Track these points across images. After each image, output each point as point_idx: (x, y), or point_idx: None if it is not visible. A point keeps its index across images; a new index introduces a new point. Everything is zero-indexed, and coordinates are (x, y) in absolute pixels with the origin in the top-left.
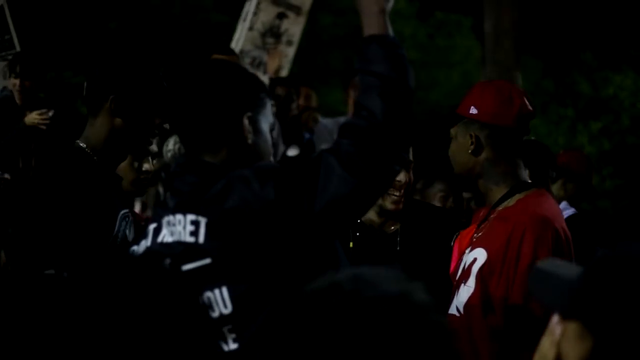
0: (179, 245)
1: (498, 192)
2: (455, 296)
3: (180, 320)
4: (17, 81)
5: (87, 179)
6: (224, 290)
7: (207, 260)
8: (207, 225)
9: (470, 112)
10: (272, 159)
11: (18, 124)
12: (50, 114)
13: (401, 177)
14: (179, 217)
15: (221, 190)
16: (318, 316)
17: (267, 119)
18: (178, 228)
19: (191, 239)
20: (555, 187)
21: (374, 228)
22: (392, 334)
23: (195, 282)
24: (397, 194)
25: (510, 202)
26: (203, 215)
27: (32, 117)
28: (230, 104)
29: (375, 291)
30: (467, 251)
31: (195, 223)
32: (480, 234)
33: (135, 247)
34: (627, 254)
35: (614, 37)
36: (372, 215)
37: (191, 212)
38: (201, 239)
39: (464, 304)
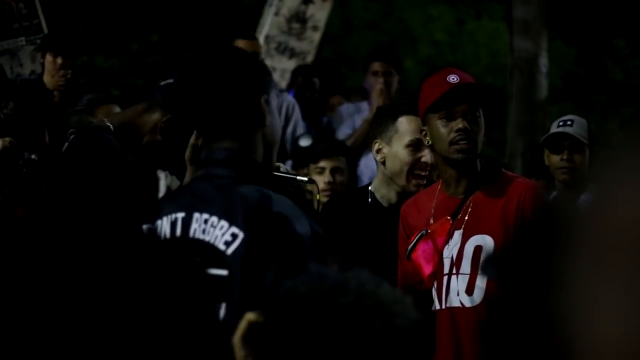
0: (210, 248)
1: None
2: (449, 289)
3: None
4: (58, 59)
5: (109, 159)
6: (222, 306)
7: (225, 272)
8: (242, 241)
9: None
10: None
11: (46, 108)
12: (69, 75)
13: (427, 157)
14: (223, 223)
15: (266, 217)
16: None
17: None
18: (216, 232)
19: (222, 247)
20: None
21: (391, 207)
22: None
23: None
24: (423, 173)
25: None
26: (245, 231)
27: (54, 80)
28: (249, 87)
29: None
30: (451, 244)
31: (234, 236)
32: (467, 220)
33: (150, 227)
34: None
35: None
36: (392, 194)
37: (236, 225)
38: (230, 250)
39: (471, 291)
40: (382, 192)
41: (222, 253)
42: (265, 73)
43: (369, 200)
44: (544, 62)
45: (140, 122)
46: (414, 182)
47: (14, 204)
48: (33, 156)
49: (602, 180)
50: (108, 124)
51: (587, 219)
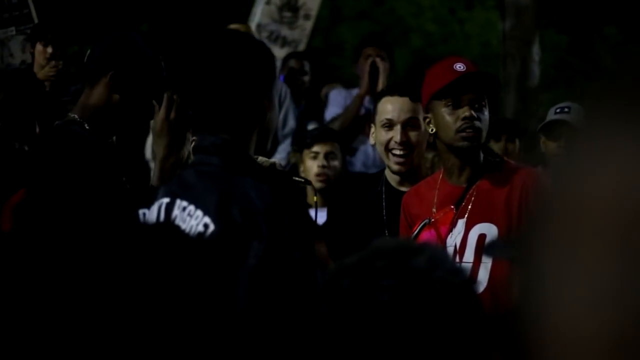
0: None
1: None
2: None
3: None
4: (48, 49)
5: (81, 152)
6: None
7: None
8: (212, 234)
9: None
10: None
11: (37, 98)
12: (59, 65)
13: (398, 136)
14: (199, 213)
15: (240, 211)
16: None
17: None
18: (192, 222)
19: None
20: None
21: (392, 187)
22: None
23: None
24: (398, 152)
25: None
26: (215, 224)
27: (45, 70)
28: (254, 90)
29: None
30: (454, 233)
31: (206, 226)
32: (470, 208)
33: (146, 211)
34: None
35: (638, 11)
36: (394, 175)
37: (209, 215)
38: None
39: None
40: (387, 173)
41: None
42: (271, 63)
43: (381, 182)
44: (536, 50)
45: (98, 97)
46: (393, 159)
47: (3, 193)
48: (25, 147)
49: (573, 154)
50: (73, 116)
51: (559, 196)
